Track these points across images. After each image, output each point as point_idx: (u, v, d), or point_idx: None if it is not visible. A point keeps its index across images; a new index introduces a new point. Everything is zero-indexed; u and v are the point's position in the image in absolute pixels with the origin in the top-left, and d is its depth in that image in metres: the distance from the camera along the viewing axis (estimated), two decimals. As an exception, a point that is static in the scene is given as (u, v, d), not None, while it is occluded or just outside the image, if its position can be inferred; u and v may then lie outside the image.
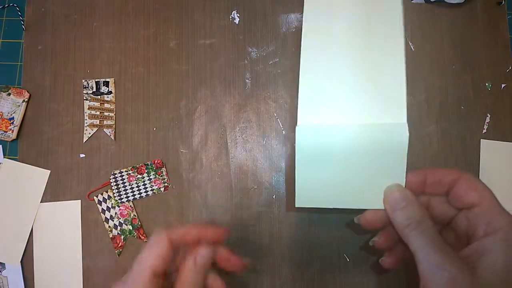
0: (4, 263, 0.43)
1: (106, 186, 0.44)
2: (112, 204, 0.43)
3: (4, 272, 0.43)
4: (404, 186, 0.31)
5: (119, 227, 0.43)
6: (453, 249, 0.27)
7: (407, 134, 0.31)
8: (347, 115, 0.33)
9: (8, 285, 0.43)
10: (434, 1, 0.46)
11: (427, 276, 0.26)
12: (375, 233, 0.33)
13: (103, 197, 0.44)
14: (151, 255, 0.28)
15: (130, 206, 0.43)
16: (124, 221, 0.43)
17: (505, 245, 0.26)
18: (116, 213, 0.43)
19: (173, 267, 0.30)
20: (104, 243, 0.43)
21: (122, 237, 0.43)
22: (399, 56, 0.33)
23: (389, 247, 0.32)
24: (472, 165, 0.44)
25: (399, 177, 0.31)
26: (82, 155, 0.44)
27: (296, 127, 0.33)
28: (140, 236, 0.43)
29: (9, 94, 0.44)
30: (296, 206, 0.33)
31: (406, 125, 0.31)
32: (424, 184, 0.31)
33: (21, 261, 0.43)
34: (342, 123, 0.33)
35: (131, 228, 0.43)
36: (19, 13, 0.47)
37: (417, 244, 0.27)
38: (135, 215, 0.43)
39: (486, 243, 0.27)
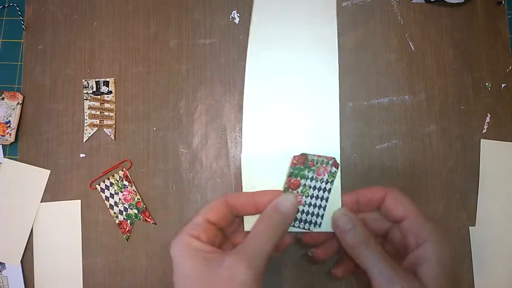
0: (4, 263, 0.43)
1: (108, 173, 0.44)
2: (115, 190, 0.43)
3: (4, 272, 0.43)
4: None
5: (124, 212, 0.43)
6: (395, 260, 0.31)
7: (339, 164, 0.35)
8: (289, 147, 0.36)
9: (8, 285, 0.43)
10: (434, 1, 0.46)
11: None
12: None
13: (105, 184, 0.44)
14: (206, 209, 0.32)
15: (134, 190, 0.43)
16: (129, 205, 0.43)
17: (435, 252, 0.30)
18: (120, 198, 0.43)
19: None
20: (104, 243, 0.43)
21: (129, 221, 0.43)
22: (334, 94, 0.37)
23: (326, 257, 0.36)
24: (472, 165, 0.44)
25: (336, 200, 0.34)
26: (82, 155, 0.44)
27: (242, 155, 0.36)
28: (147, 218, 0.43)
29: (3, 99, 0.44)
30: None
31: (339, 156, 0.35)
32: (357, 203, 0.35)
33: (21, 261, 0.43)
34: (284, 153, 0.35)
35: (136, 212, 0.43)
36: (19, 13, 0.47)
37: (369, 262, 0.30)
38: (139, 199, 0.43)
39: (420, 254, 0.30)
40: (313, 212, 0.34)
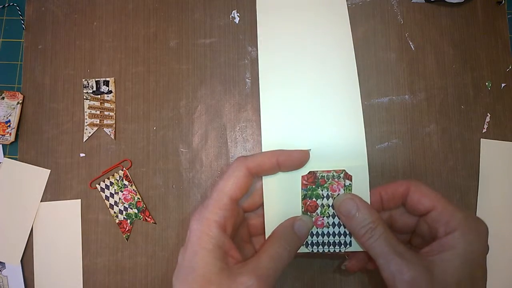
0: (4, 263, 0.43)
1: (107, 173, 0.44)
2: (115, 190, 0.43)
3: (4, 272, 0.43)
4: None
5: (124, 212, 0.43)
6: (419, 249, 0.30)
7: (367, 173, 0.33)
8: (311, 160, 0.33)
9: (8, 284, 0.43)
10: (434, 1, 0.46)
11: (390, 282, 0.28)
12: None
13: (105, 184, 0.44)
14: (229, 184, 0.29)
15: (134, 190, 0.43)
16: (129, 205, 0.43)
17: (464, 241, 0.28)
18: (120, 198, 0.43)
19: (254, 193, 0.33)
20: (104, 242, 0.43)
21: (129, 221, 0.43)
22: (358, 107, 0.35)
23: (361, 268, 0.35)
24: (472, 165, 0.44)
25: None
26: (82, 154, 0.44)
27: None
28: (147, 218, 0.43)
29: (3, 98, 0.44)
30: None
31: (367, 166, 0.33)
32: (381, 201, 0.33)
33: (21, 261, 0.43)
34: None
35: (136, 212, 0.43)
36: (19, 13, 0.47)
37: (376, 252, 0.29)
38: (139, 199, 0.43)
39: (447, 241, 0.29)
40: (339, 232, 0.33)
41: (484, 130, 0.44)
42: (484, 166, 0.43)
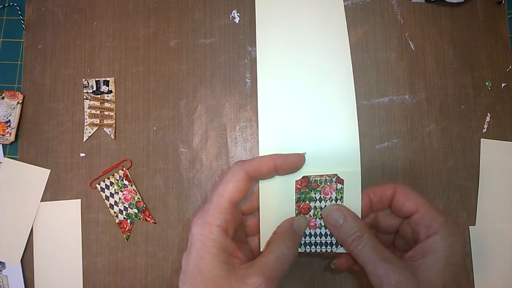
0: (4, 262, 0.43)
1: (107, 173, 0.44)
2: (115, 189, 0.43)
3: (4, 272, 0.43)
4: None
5: (124, 212, 0.43)
6: (403, 252, 0.31)
7: (360, 179, 0.34)
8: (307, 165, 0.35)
9: (8, 284, 0.43)
10: (434, 1, 0.46)
11: (377, 286, 0.29)
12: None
13: (105, 184, 0.44)
14: (228, 188, 0.30)
15: (134, 189, 0.43)
16: (129, 205, 0.43)
17: (445, 244, 0.29)
18: (120, 198, 0.43)
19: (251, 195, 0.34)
20: (104, 242, 0.43)
21: (129, 221, 0.43)
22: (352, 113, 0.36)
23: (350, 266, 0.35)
24: (472, 165, 0.44)
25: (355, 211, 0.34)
26: (82, 154, 0.44)
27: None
28: (147, 218, 0.43)
29: (3, 98, 0.44)
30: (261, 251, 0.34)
31: (359, 172, 0.34)
32: (371, 204, 0.34)
33: (21, 261, 0.43)
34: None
35: (136, 211, 0.43)
36: (19, 13, 0.47)
37: (363, 259, 0.30)
38: (139, 198, 0.43)
39: (428, 244, 0.30)
40: (331, 233, 0.34)
41: (484, 130, 0.44)
42: (484, 166, 0.43)
